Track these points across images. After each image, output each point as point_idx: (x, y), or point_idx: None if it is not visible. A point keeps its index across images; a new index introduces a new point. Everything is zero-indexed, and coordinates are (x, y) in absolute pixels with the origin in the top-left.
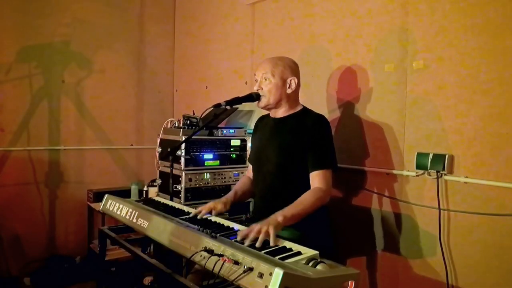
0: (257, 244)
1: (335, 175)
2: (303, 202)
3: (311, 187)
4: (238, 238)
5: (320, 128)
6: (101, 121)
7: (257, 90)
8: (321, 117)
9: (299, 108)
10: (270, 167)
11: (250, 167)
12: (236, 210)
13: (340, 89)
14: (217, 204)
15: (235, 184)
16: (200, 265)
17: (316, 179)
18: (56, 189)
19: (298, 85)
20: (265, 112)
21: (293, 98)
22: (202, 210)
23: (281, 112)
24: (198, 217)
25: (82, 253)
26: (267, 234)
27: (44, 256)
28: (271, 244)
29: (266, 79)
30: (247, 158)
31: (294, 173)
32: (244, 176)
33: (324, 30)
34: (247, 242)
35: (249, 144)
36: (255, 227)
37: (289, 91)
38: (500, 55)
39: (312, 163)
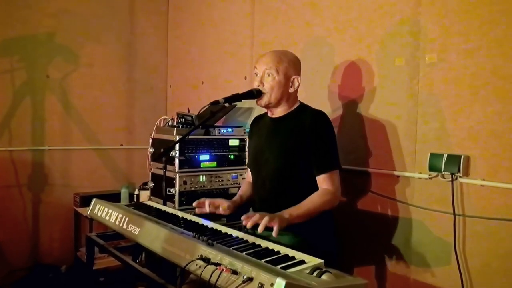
0: (260, 228)
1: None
2: (310, 203)
3: (319, 189)
4: (242, 218)
5: (320, 127)
6: (89, 119)
7: (258, 86)
8: (320, 114)
9: (296, 105)
10: (270, 171)
11: (249, 171)
12: (234, 216)
13: (344, 85)
14: (225, 201)
15: (233, 187)
16: (195, 275)
17: (324, 182)
18: (40, 193)
19: (299, 83)
20: (261, 111)
21: (293, 96)
22: (206, 201)
23: (279, 111)
24: (206, 207)
25: (68, 262)
26: (271, 222)
27: (27, 265)
28: (274, 234)
29: (269, 75)
30: (246, 163)
31: (296, 177)
32: (245, 181)
33: (328, 21)
34: (249, 224)
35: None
36: (259, 213)
37: (291, 90)
38: None
39: (317, 166)
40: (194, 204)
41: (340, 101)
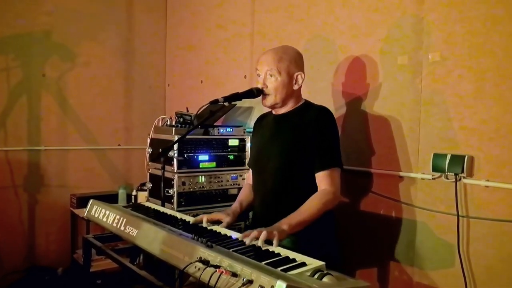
0: (259, 242)
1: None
2: (310, 207)
3: (318, 189)
4: (239, 237)
5: (323, 123)
6: (86, 118)
7: (262, 87)
8: (324, 110)
9: (301, 102)
10: (272, 169)
11: (251, 172)
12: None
13: (347, 84)
14: (224, 216)
15: (233, 188)
16: (194, 278)
17: (323, 180)
18: (36, 194)
19: (303, 79)
20: (262, 110)
21: (298, 93)
22: (204, 217)
23: (284, 109)
24: (203, 224)
25: (64, 264)
26: (270, 236)
27: (23, 267)
28: (274, 247)
29: (271, 76)
30: (247, 163)
31: (299, 176)
32: (245, 184)
33: (330, 18)
34: (247, 241)
35: (248, 145)
36: (257, 229)
37: (295, 87)
38: None
39: (317, 163)
40: (191, 221)
41: (343, 99)
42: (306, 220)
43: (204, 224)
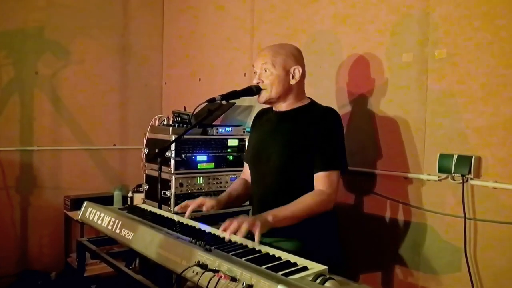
0: (238, 235)
1: (343, 177)
2: (300, 204)
3: (314, 189)
4: (220, 229)
5: (329, 123)
6: (80, 118)
7: (257, 83)
8: (330, 110)
9: (306, 101)
10: (271, 167)
11: (246, 167)
12: (233, 217)
13: (351, 82)
14: (208, 200)
15: None
16: (192, 282)
17: (320, 181)
18: (29, 195)
19: (303, 75)
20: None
21: (298, 89)
22: (190, 205)
23: (285, 106)
24: (186, 215)
25: (58, 268)
26: (252, 227)
27: (15, 272)
28: (256, 241)
29: (266, 70)
30: (243, 158)
31: (299, 175)
32: (238, 178)
33: (333, 15)
34: (226, 235)
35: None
36: (238, 219)
37: (293, 82)
38: None
39: (317, 163)
40: (176, 208)
41: (347, 98)
42: (294, 216)
43: (190, 210)
